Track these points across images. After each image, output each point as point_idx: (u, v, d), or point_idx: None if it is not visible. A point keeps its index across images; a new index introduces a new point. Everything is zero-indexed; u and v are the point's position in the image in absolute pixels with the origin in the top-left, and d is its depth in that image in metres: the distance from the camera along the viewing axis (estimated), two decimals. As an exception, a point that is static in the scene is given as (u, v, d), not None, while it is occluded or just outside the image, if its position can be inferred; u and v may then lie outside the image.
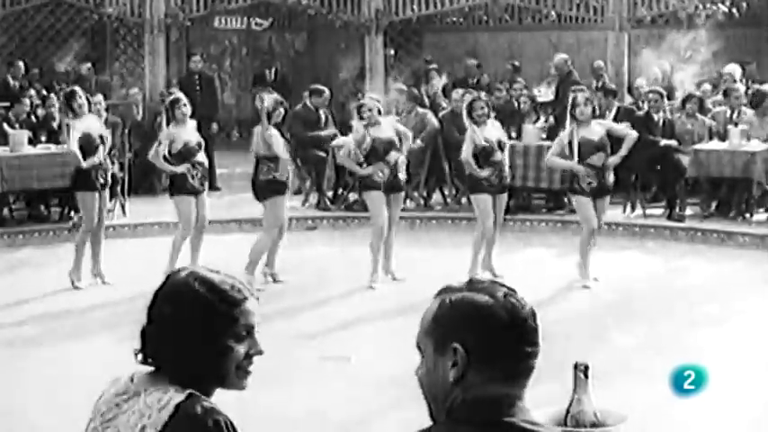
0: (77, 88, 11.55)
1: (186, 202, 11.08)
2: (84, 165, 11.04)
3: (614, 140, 11.10)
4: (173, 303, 2.64)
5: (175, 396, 2.57)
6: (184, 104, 10.99)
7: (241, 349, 2.64)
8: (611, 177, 10.94)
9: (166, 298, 2.66)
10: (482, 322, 2.34)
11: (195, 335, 2.61)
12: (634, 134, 11.17)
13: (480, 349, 2.33)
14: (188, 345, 2.61)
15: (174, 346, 2.62)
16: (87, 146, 11.06)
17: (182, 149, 10.95)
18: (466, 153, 11.11)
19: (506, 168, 11.18)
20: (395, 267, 11.29)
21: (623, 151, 11.01)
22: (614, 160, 10.91)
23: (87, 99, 11.36)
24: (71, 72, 17.78)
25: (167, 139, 11.05)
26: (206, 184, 11.31)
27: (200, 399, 2.59)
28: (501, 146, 11.07)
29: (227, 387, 2.66)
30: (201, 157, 11.09)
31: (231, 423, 2.57)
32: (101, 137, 11.17)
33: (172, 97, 11.47)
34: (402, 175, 11.18)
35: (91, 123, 11.23)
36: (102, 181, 11.15)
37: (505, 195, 11.28)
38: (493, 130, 11.06)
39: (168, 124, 11.08)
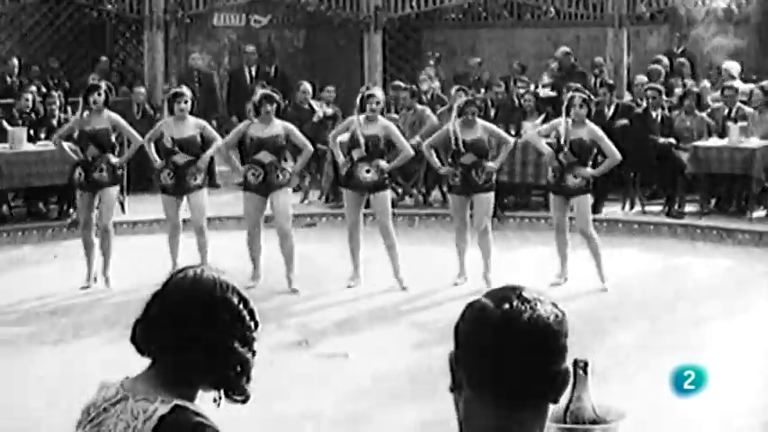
0: (101, 83, 11.46)
1: (163, 200, 11.09)
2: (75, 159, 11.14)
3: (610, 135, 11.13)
4: (183, 294, 2.61)
5: (161, 407, 2.53)
6: (185, 101, 10.92)
7: (250, 356, 2.65)
8: (574, 180, 10.62)
9: (177, 288, 2.63)
10: (467, 330, 2.10)
11: (215, 338, 2.58)
12: (618, 157, 10.76)
13: (465, 363, 2.09)
14: (190, 337, 2.58)
15: (172, 335, 2.59)
16: (79, 142, 11.06)
17: (165, 145, 10.95)
18: (428, 142, 11.34)
19: (480, 174, 10.72)
20: (399, 273, 11.02)
21: (600, 169, 10.86)
22: (587, 173, 10.69)
23: (107, 94, 11.09)
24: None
25: (157, 129, 11.06)
26: (189, 184, 10.89)
27: (187, 411, 2.55)
28: (476, 150, 10.74)
29: (235, 392, 2.66)
30: (179, 157, 10.83)
31: None
32: (95, 135, 10.92)
33: (173, 91, 11.40)
34: (369, 175, 10.78)
35: (97, 121, 10.97)
36: (80, 179, 10.99)
37: (483, 198, 10.82)
38: (473, 134, 10.77)
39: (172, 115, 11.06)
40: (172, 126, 10.91)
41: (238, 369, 2.62)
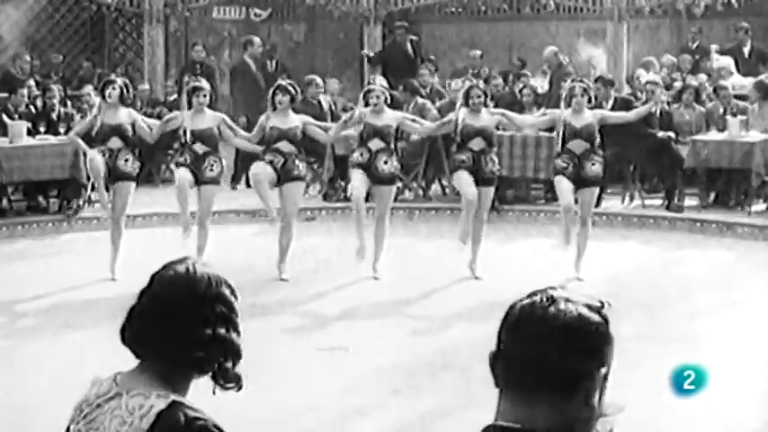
0: (117, 78, 11.54)
1: (178, 174, 11.13)
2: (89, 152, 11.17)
3: (608, 129, 11.18)
4: (178, 292, 2.60)
5: (157, 403, 2.52)
6: (204, 95, 10.99)
7: (237, 341, 2.64)
8: (592, 168, 10.75)
9: (171, 287, 2.62)
10: (499, 327, 2.15)
11: (200, 326, 2.58)
12: (629, 114, 11.60)
13: (499, 356, 2.12)
14: (189, 335, 2.58)
15: (171, 335, 2.58)
16: (100, 135, 11.09)
17: (184, 137, 11.00)
18: (435, 122, 11.77)
19: (488, 162, 10.86)
20: (379, 262, 11.10)
21: (638, 110, 11.86)
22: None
23: (121, 89, 11.04)
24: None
25: (176, 122, 11.12)
26: (205, 175, 10.95)
27: (183, 406, 2.54)
28: (485, 136, 10.84)
29: (227, 378, 2.64)
30: (199, 146, 10.91)
31: (217, 427, 2.53)
32: (118, 128, 10.98)
33: (192, 85, 11.43)
34: (386, 167, 10.87)
35: (117, 115, 11.02)
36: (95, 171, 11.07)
37: (488, 190, 10.98)
38: (481, 121, 10.85)
39: (190, 109, 11.09)
40: (190, 119, 10.97)
41: (230, 357, 2.62)
